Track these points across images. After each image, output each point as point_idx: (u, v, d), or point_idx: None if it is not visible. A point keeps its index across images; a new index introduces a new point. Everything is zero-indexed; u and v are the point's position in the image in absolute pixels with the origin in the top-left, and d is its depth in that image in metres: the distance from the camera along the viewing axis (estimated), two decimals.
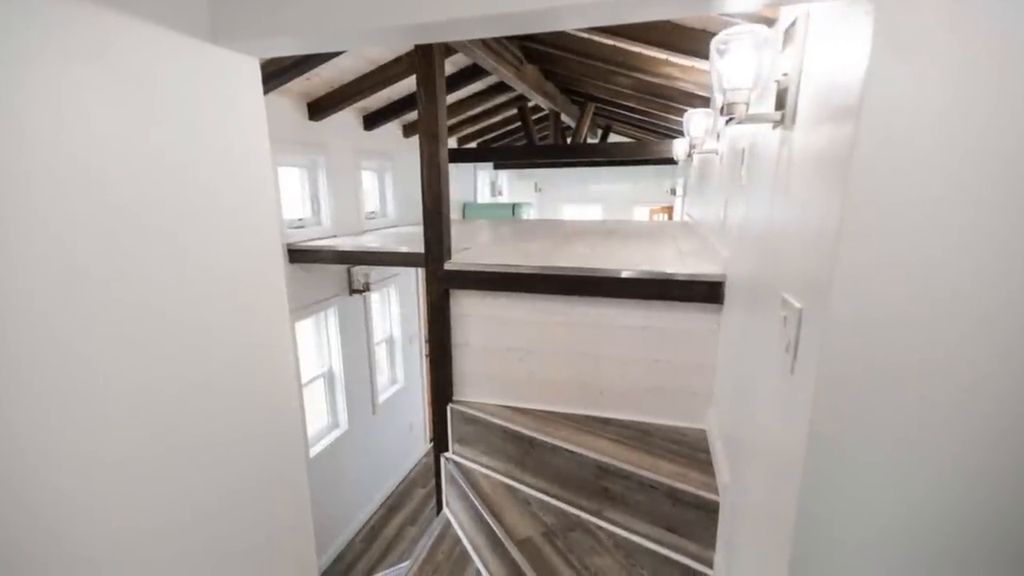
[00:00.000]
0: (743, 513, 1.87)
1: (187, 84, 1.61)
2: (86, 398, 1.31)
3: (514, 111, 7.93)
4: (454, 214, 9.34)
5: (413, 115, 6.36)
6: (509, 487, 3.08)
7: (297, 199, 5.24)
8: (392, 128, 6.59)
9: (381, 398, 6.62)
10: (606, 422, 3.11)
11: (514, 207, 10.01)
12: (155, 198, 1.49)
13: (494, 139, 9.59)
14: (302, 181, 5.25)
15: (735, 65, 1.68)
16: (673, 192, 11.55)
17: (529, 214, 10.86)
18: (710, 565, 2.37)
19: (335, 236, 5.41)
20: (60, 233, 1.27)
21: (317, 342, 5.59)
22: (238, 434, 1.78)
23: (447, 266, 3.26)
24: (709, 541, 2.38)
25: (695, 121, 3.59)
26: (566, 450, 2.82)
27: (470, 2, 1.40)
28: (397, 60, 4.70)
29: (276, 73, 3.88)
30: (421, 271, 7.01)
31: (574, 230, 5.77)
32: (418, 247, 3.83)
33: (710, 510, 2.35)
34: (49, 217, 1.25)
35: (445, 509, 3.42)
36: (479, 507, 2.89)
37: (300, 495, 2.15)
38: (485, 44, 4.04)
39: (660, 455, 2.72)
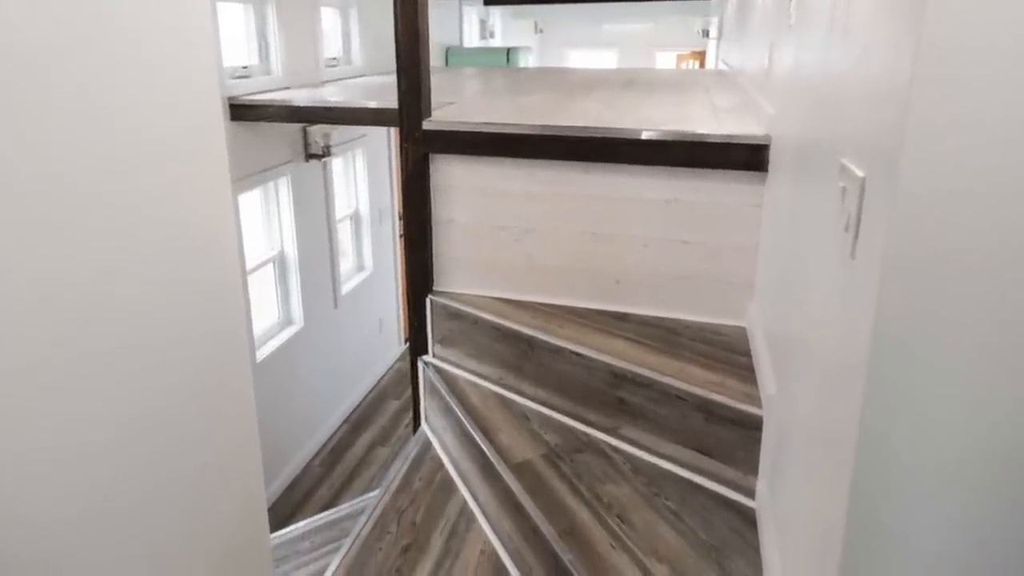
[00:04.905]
0: (792, 430, 1.89)
1: None
2: None
3: None
4: (435, 61, 9.12)
5: None
6: (503, 398, 3.13)
7: (241, 41, 5.11)
8: None
9: (345, 288, 6.69)
10: (622, 318, 3.13)
11: (509, 52, 9.89)
12: (64, 44, 1.42)
13: None
14: (247, 19, 5.11)
15: None
16: (706, 34, 11.33)
17: (527, 61, 10.72)
18: (751, 495, 2.39)
19: (288, 88, 5.31)
20: None
21: (265, 219, 5.59)
22: (167, 333, 1.78)
23: (426, 125, 3.19)
24: (750, 465, 2.39)
25: None
26: (573, 353, 2.84)
27: None
28: None
29: None
30: (394, 131, 6.93)
31: (583, 81, 5.62)
32: (391, 102, 3.74)
33: (751, 427, 2.36)
34: None
35: (423, 425, 3.48)
36: (466, 423, 2.93)
37: (244, 408, 2.17)
38: None
39: (689, 359, 2.73)
